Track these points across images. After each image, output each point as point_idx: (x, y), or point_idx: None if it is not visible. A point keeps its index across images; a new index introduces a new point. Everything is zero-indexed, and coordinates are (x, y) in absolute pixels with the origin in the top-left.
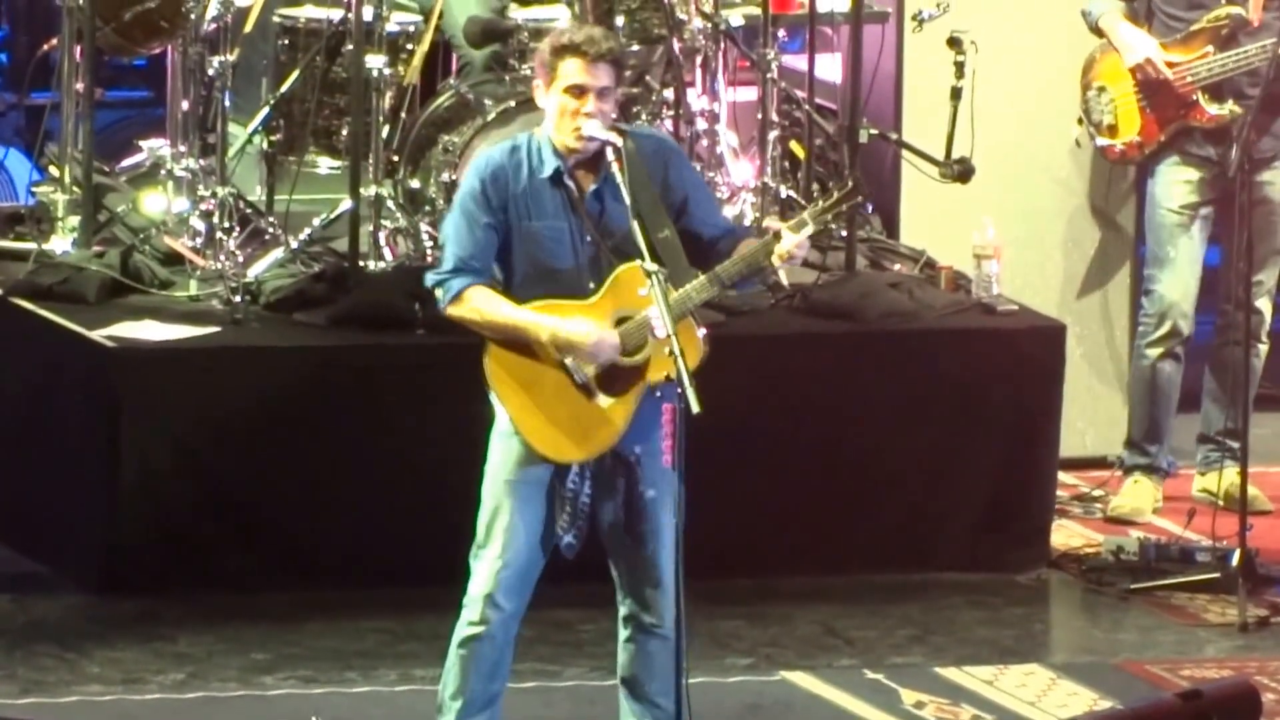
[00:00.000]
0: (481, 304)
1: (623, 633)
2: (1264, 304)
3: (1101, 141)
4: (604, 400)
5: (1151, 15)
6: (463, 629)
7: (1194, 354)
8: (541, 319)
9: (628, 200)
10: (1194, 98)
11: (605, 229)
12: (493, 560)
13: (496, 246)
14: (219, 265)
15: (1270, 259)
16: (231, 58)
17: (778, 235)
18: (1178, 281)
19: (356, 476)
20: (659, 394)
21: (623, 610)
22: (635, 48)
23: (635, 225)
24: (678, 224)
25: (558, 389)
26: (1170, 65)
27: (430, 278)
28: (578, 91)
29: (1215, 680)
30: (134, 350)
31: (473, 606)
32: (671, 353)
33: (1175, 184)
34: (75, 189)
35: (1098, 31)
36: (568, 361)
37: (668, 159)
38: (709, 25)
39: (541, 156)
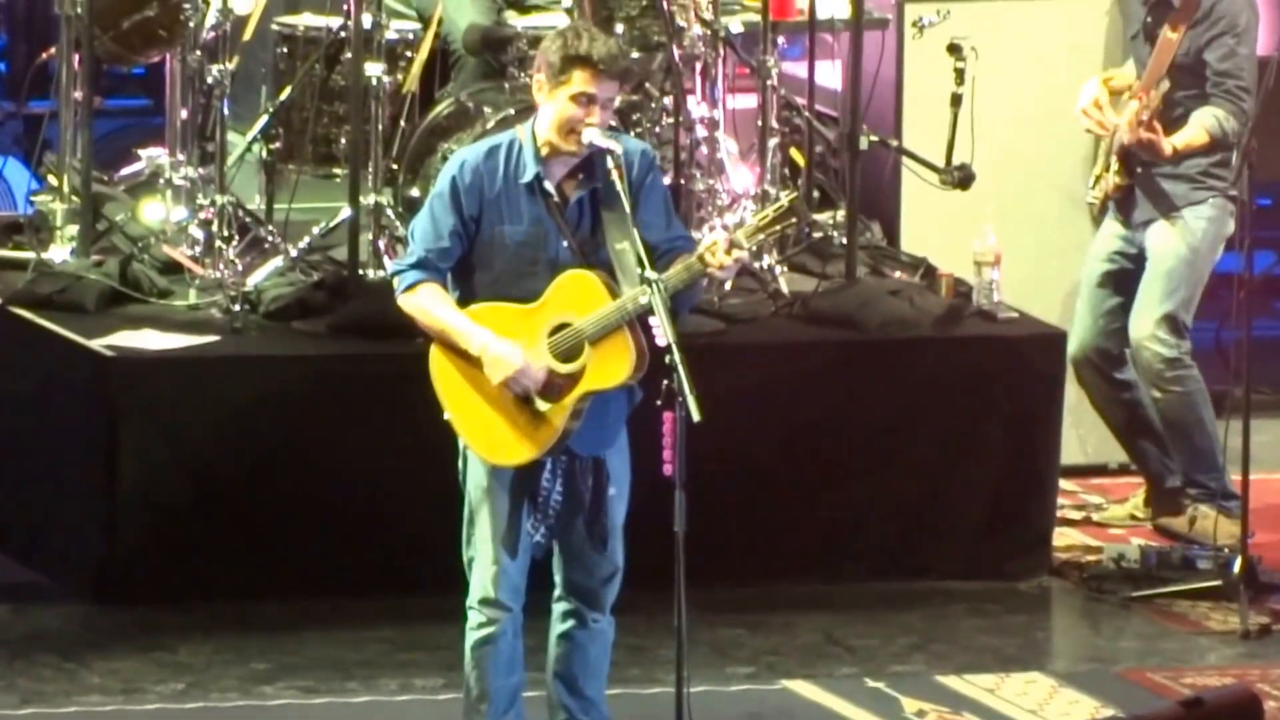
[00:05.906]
0: (428, 303)
1: (559, 627)
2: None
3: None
4: (541, 404)
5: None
6: (472, 633)
7: None
8: (475, 333)
9: (627, 208)
10: (1111, 160)
11: (584, 236)
12: (487, 563)
13: (461, 249)
14: (218, 274)
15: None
16: (230, 66)
17: (713, 246)
18: (1077, 331)
19: (356, 485)
20: (633, 395)
21: (563, 606)
22: (635, 55)
23: (635, 232)
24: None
25: (495, 391)
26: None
27: (392, 266)
28: (585, 101)
29: (1217, 688)
30: (133, 359)
31: (477, 610)
32: (672, 363)
33: (1104, 236)
34: (74, 198)
35: None
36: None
37: (645, 167)
38: (709, 32)
39: (522, 160)
